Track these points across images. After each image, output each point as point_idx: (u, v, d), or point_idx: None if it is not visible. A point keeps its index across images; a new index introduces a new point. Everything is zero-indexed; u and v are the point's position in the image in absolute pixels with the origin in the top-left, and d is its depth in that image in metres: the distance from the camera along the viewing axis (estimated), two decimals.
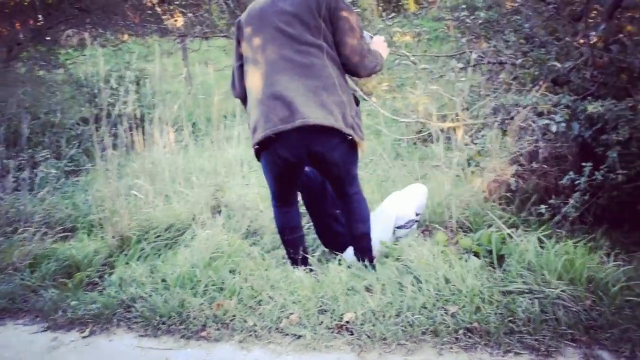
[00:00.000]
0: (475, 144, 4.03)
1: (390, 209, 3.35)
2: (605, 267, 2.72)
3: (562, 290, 2.55)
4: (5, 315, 3.14)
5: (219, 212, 3.97)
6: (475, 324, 2.46)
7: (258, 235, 3.74)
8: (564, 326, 2.40)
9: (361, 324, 2.56)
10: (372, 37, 3.06)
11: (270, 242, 3.60)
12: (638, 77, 3.40)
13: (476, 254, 3.07)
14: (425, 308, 2.59)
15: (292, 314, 2.70)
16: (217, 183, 4.24)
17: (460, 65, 4.65)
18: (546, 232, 3.07)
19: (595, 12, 4.11)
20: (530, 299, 2.55)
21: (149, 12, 9.14)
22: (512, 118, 3.84)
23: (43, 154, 5.67)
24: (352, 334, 2.53)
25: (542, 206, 3.45)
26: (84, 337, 2.82)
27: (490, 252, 3.03)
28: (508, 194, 3.73)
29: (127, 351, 2.66)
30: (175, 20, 9.05)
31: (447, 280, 2.72)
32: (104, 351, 2.68)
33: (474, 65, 4.40)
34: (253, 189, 4.20)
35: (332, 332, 2.56)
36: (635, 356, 2.22)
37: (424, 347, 2.41)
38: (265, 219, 3.82)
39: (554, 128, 3.43)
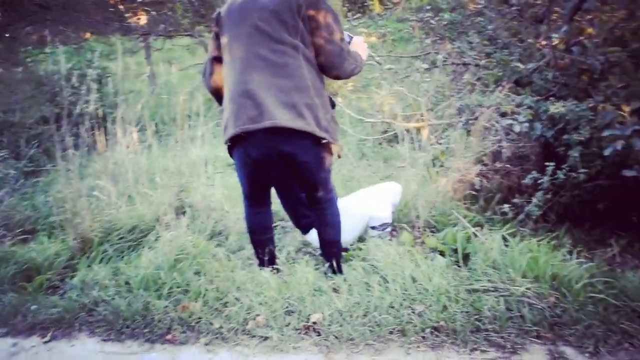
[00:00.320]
0: (440, 144, 4.07)
1: (365, 207, 3.33)
2: (568, 264, 2.77)
3: (526, 288, 2.59)
4: None
5: (184, 213, 3.92)
6: (442, 323, 2.48)
7: (223, 236, 3.70)
8: (529, 323, 2.44)
9: (328, 325, 2.56)
10: (352, 38, 3.01)
11: (235, 242, 3.57)
12: (598, 78, 3.47)
13: (442, 253, 3.10)
14: (393, 307, 2.60)
15: (258, 315, 2.68)
16: (181, 184, 4.20)
17: (425, 65, 4.70)
18: (510, 231, 3.13)
19: (556, 14, 4.18)
20: (495, 297, 2.59)
21: (111, 9, 9.02)
22: (476, 118, 3.89)
23: (1, 154, 5.54)
24: (319, 335, 2.53)
25: (506, 205, 3.50)
26: (45, 342, 2.75)
27: (455, 251, 3.07)
28: (473, 193, 3.77)
29: (89, 356, 2.60)
30: (139, 19, 8.93)
31: (413, 280, 2.74)
32: (65, 356, 2.62)
33: (437, 66, 4.44)
34: (218, 190, 4.16)
35: (300, 333, 2.55)
36: (599, 352, 2.27)
37: (391, 347, 2.42)
38: (230, 219, 3.79)
39: (517, 128, 3.48)
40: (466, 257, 3.00)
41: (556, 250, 2.93)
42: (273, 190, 3.15)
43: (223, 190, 4.15)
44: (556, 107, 3.29)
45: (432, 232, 3.43)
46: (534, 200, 3.40)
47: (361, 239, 3.35)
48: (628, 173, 2.97)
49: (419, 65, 4.67)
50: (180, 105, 4.59)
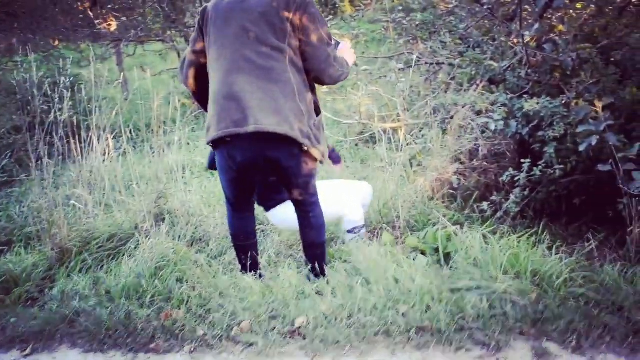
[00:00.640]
0: (417, 143, 4.10)
1: (336, 197, 3.30)
2: (548, 260, 2.81)
3: (508, 285, 2.61)
4: None
5: (163, 219, 3.89)
6: (427, 323, 2.49)
7: (204, 242, 3.68)
8: (512, 320, 2.46)
9: (313, 328, 2.55)
10: (339, 44, 3.01)
11: (216, 248, 3.55)
12: (570, 74, 3.53)
13: (423, 253, 3.12)
14: (377, 309, 2.60)
15: (242, 321, 2.66)
16: (159, 190, 4.16)
17: (400, 66, 4.72)
18: (490, 228, 3.16)
19: (527, 12, 4.24)
20: (478, 295, 2.60)
21: (81, 16, 8.88)
22: (451, 117, 3.93)
23: None
24: (304, 339, 2.52)
25: (484, 203, 3.54)
26: (25, 355, 2.70)
27: (436, 250, 3.09)
28: (451, 192, 3.80)
29: None
30: (109, 25, 8.82)
31: (396, 280, 2.75)
32: None
33: (410, 67, 4.46)
34: (196, 195, 4.14)
35: (285, 337, 2.54)
36: (582, 346, 2.30)
37: (377, 348, 2.42)
38: (210, 225, 3.77)
39: (492, 126, 3.52)
40: (447, 256, 3.02)
41: (536, 247, 2.97)
42: None
43: (201, 196, 4.13)
44: (530, 105, 3.34)
45: (412, 231, 3.45)
46: (512, 197, 3.44)
47: (343, 242, 3.35)
48: (602, 168, 3.02)
49: (393, 65, 4.70)
50: (155, 111, 4.54)
